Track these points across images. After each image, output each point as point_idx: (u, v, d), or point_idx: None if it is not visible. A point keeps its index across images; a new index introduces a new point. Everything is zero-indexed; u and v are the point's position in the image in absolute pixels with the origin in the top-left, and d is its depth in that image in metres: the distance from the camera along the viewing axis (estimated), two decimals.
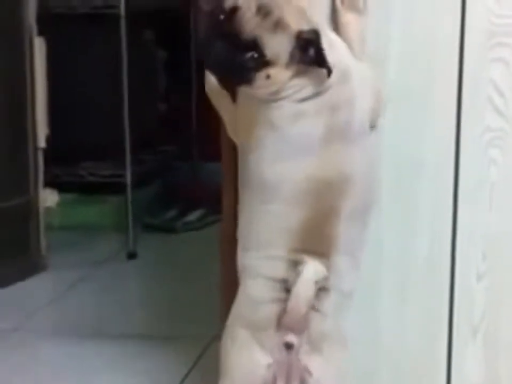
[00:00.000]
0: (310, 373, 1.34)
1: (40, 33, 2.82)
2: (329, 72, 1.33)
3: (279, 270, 1.34)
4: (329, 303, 1.35)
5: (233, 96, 1.46)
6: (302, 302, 1.30)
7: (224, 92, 1.45)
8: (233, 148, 1.52)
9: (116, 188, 3.18)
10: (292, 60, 1.33)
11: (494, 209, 1.61)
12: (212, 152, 2.23)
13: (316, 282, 1.31)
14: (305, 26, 1.33)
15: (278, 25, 1.32)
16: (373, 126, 1.44)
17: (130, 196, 3.07)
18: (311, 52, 1.33)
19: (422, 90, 1.61)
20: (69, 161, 3.29)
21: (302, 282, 1.30)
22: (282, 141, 1.36)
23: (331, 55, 1.35)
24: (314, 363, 1.34)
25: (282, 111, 1.36)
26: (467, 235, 1.62)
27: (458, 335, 1.65)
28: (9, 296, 2.67)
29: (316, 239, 1.35)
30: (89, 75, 3.28)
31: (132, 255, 3.03)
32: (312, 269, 1.31)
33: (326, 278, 1.33)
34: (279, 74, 1.33)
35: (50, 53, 2.85)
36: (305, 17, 1.34)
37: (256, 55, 1.31)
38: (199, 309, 2.46)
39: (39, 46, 2.81)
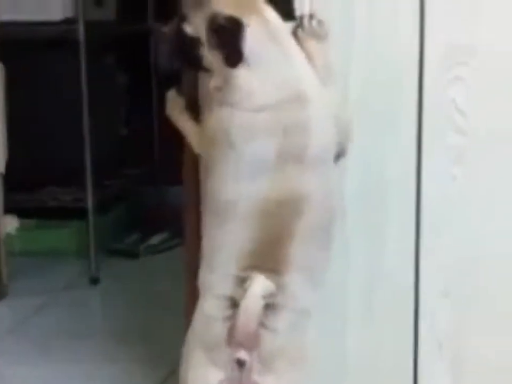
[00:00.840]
0: None
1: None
2: (234, 61, 1.32)
3: (229, 287, 1.34)
4: (280, 320, 1.34)
5: (195, 117, 1.46)
6: (250, 317, 1.30)
7: (185, 111, 1.46)
8: (196, 170, 1.52)
9: (78, 213, 3.15)
10: (209, 42, 1.35)
11: (456, 225, 1.63)
12: (175, 176, 2.21)
13: (263, 297, 1.30)
14: (228, 12, 1.33)
15: (202, 2, 1.34)
16: (341, 155, 1.44)
17: (93, 221, 3.05)
18: (222, 37, 1.33)
19: (384, 109, 1.62)
20: (30, 187, 3.26)
21: (250, 297, 1.30)
22: (238, 160, 1.37)
23: (283, 70, 1.35)
24: (266, 382, 1.33)
25: (238, 126, 1.36)
26: (430, 251, 1.63)
27: (424, 352, 1.65)
28: None
29: (267, 257, 1.35)
30: (49, 100, 3.26)
31: (94, 281, 3.00)
32: (260, 283, 1.30)
33: (273, 295, 1.32)
34: (208, 55, 1.35)
35: (9, 79, 2.83)
36: (241, 6, 1.35)
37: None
38: (163, 332, 2.44)
39: None
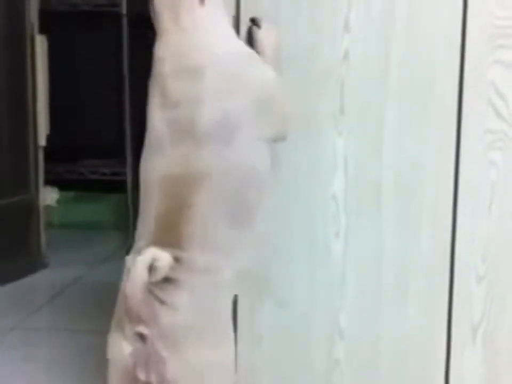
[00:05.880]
0: (167, 367, 1.30)
1: (42, 31, 2.82)
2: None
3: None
4: (180, 296, 1.31)
5: None
6: (135, 285, 1.26)
7: None
8: None
9: (116, 186, 3.19)
10: None
11: (493, 211, 1.62)
12: None
13: (157, 269, 1.27)
14: None
15: None
16: (278, 140, 1.42)
17: (131, 194, 3.08)
18: None
19: (423, 92, 1.61)
20: (70, 159, 3.29)
21: (135, 266, 1.27)
22: (148, 136, 1.39)
23: (187, 39, 1.36)
24: (171, 358, 1.30)
25: (152, 91, 1.40)
26: (467, 237, 1.63)
27: (457, 336, 1.65)
28: (8, 293, 2.67)
29: (169, 232, 1.33)
30: (90, 73, 3.29)
31: None
32: (148, 253, 1.28)
33: (173, 269, 1.29)
34: None
35: (52, 51, 2.85)
36: None
37: None
38: None
39: (40, 44, 2.81)
